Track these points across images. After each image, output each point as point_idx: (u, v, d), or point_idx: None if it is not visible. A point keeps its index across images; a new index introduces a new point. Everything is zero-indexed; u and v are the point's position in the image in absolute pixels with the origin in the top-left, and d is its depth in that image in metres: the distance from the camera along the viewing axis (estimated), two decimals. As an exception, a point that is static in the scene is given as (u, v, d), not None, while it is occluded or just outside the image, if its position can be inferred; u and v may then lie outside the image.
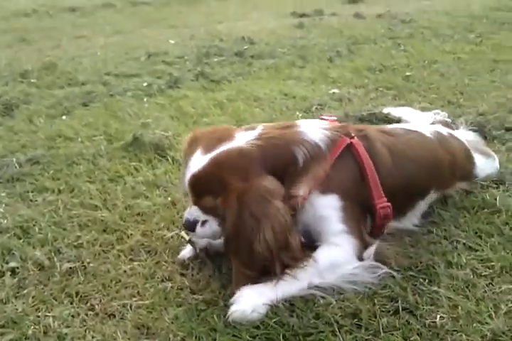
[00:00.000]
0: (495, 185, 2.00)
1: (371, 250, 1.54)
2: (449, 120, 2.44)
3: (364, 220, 1.60)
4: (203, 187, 1.48)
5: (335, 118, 1.83)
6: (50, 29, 6.77)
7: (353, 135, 1.61)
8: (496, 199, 1.86)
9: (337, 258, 1.49)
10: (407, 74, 3.75)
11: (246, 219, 1.38)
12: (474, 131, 2.40)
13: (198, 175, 1.47)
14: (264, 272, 1.42)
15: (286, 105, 3.17)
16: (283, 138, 1.54)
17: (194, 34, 5.80)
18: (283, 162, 1.50)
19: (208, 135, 1.55)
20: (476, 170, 2.01)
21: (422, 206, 1.81)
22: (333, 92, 3.34)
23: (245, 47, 4.90)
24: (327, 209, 1.53)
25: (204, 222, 1.53)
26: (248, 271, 1.41)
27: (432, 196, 1.84)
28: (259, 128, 1.57)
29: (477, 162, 2.02)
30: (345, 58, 4.39)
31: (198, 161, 1.47)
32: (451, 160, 1.86)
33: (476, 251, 1.61)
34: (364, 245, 1.54)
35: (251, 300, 1.37)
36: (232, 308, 1.36)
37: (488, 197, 1.89)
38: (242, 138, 1.51)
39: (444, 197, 1.91)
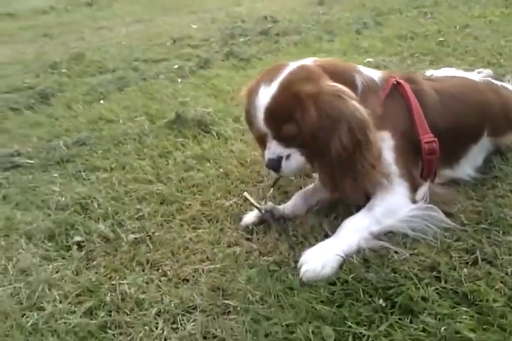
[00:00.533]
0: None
1: (423, 191, 1.53)
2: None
3: (415, 161, 1.58)
4: (279, 114, 1.43)
5: None
6: (70, 23, 6.82)
7: (398, 78, 1.64)
8: (557, 151, 1.81)
9: (392, 203, 1.48)
10: (440, 39, 3.66)
11: (323, 119, 1.35)
12: (523, 87, 2.32)
13: (271, 105, 1.42)
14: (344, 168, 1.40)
15: (322, 76, 3.11)
16: (342, 65, 1.57)
17: (215, 17, 5.78)
18: (343, 82, 1.47)
19: (263, 75, 1.51)
20: None
21: (476, 152, 1.76)
22: (368, 61, 3.27)
23: (269, 25, 4.86)
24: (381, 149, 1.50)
25: (288, 157, 1.49)
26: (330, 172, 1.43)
27: (486, 142, 1.79)
28: (313, 59, 1.56)
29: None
30: (373, 29, 4.32)
31: (266, 93, 1.43)
32: (503, 104, 1.81)
33: (546, 202, 1.57)
34: (415, 186, 1.53)
35: (318, 257, 1.36)
36: (303, 269, 1.35)
37: (549, 150, 1.83)
38: (298, 62, 1.50)
39: (503, 152, 1.86)
